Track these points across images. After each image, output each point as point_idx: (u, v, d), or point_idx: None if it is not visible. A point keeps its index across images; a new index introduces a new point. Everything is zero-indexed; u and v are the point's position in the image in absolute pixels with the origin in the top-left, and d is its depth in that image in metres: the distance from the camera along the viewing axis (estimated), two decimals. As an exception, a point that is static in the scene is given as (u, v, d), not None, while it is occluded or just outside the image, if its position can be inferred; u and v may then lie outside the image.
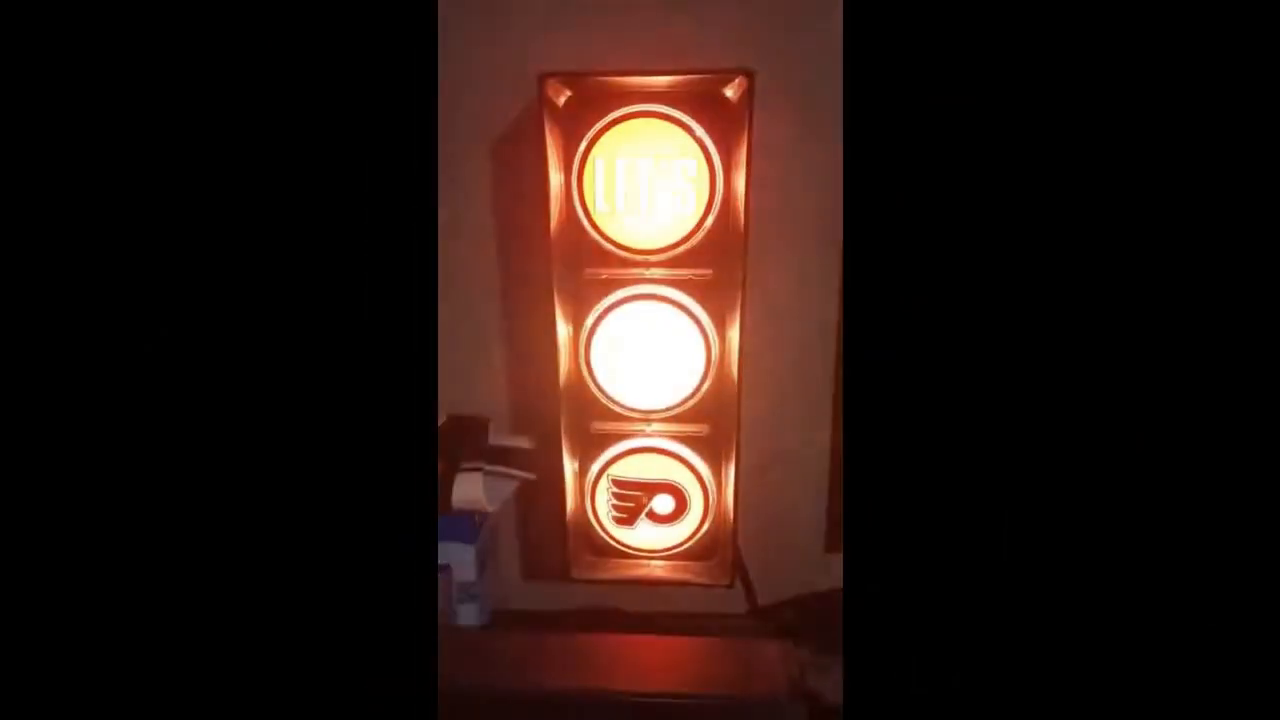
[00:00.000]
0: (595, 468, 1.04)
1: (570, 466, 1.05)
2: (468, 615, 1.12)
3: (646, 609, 1.20)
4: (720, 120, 0.89)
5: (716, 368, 0.97)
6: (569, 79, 0.89)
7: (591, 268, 0.96)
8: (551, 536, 1.12)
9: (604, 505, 1.06)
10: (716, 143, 0.89)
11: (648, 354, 0.97)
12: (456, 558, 1.10)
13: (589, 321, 0.97)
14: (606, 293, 0.96)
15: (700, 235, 0.92)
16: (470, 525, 1.09)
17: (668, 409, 1.00)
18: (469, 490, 1.07)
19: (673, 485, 1.04)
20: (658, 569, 1.09)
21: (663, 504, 1.04)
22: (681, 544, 1.07)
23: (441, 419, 1.13)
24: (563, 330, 0.98)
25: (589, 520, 1.07)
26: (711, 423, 1.02)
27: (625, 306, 0.96)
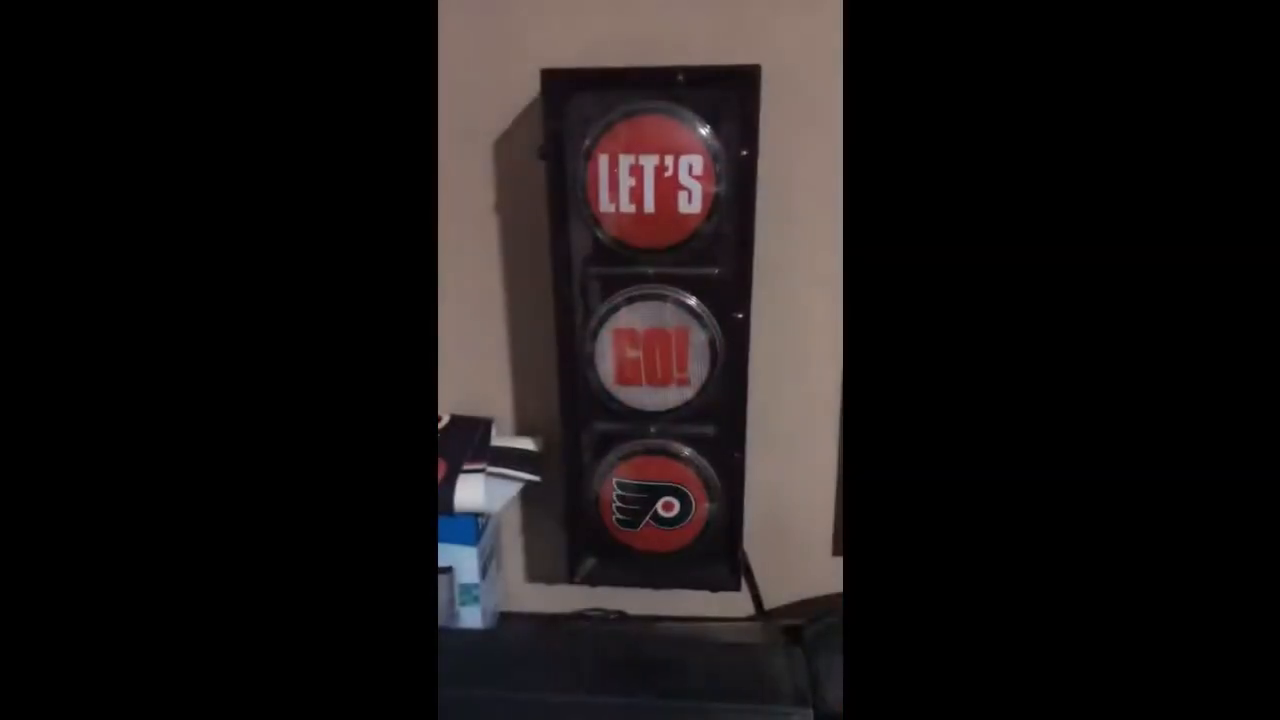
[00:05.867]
0: (600, 469, 1.03)
1: (574, 468, 1.04)
2: (471, 617, 1.12)
3: (651, 612, 1.19)
4: (726, 117, 0.88)
5: (722, 367, 0.96)
6: (573, 75, 0.88)
7: (596, 266, 0.95)
8: (555, 538, 1.11)
9: (608, 507, 1.05)
10: (722, 139, 0.88)
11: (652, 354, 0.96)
12: (459, 559, 1.09)
13: (593, 321, 0.96)
14: (611, 291, 0.95)
15: (706, 232, 0.91)
16: (473, 527, 1.08)
17: (672, 410, 0.99)
18: (471, 492, 1.06)
19: (678, 487, 1.03)
20: (662, 572, 1.09)
21: (667, 506, 1.04)
22: (687, 546, 1.06)
23: (444, 420, 1.13)
24: (566, 330, 0.97)
25: (593, 522, 1.06)
26: (717, 424, 1.01)
27: (630, 305, 0.95)
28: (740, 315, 0.95)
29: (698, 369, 0.97)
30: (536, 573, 1.24)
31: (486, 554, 1.13)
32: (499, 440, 1.13)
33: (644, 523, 1.05)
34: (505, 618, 1.20)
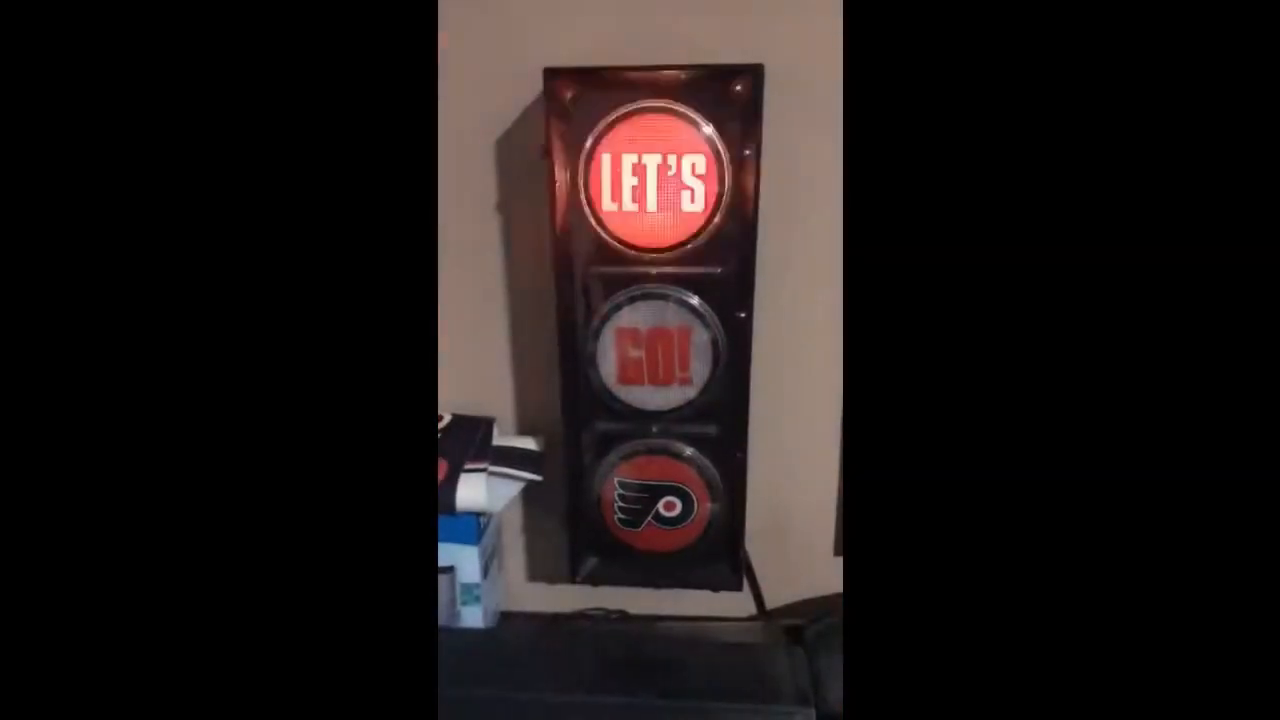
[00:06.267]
0: (601, 469, 1.03)
1: (575, 467, 1.04)
2: (472, 617, 1.12)
3: (653, 611, 1.19)
4: (729, 116, 0.87)
5: (725, 366, 0.96)
6: (575, 74, 0.88)
7: (598, 265, 0.95)
8: (557, 538, 1.11)
9: (610, 507, 1.04)
10: (725, 138, 0.88)
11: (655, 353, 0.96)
12: (461, 559, 1.09)
13: (595, 320, 0.96)
14: (613, 291, 0.95)
15: (709, 232, 0.91)
16: (475, 526, 1.08)
17: (675, 409, 0.99)
18: (473, 491, 1.06)
19: (679, 487, 1.03)
20: (664, 571, 1.08)
21: (669, 506, 1.03)
22: (688, 546, 1.05)
23: (446, 419, 1.12)
24: (568, 329, 0.97)
25: (595, 522, 1.06)
26: (719, 423, 1.01)
27: (632, 305, 0.95)
28: (743, 315, 0.94)
29: (700, 368, 0.97)
30: (538, 572, 1.24)
31: (488, 553, 1.13)
32: (501, 440, 1.13)
33: (645, 522, 1.04)
34: (507, 617, 1.20)
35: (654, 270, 0.94)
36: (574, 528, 1.07)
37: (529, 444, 1.13)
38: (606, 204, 0.91)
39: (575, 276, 0.95)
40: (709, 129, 0.88)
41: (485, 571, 1.11)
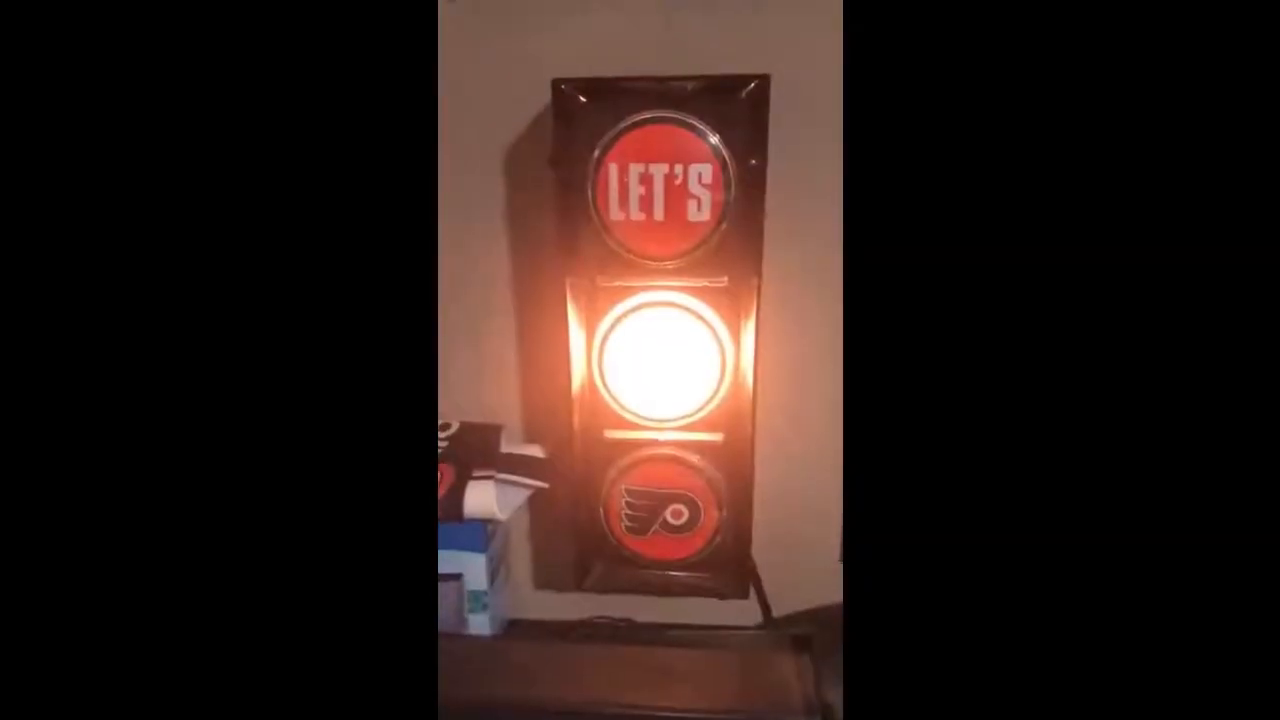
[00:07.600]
0: (608, 477, 1.03)
1: (583, 475, 1.04)
2: (479, 624, 1.12)
3: (659, 620, 1.18)
4: (735, 126, 0.88)
5: (731, 376, 0.96)
6: (583, 84, 0.89)
7: (605, 275, 0.95)
8: (564, 546, 1.11)
9: (617, 514, 1.05)
10: (731, 148, 0.88)
11: (662, 362, 0.96)
12: (468, 566, 1.09)
13: (602, 329, 0.96)
14: (620, 300, 0.96)
15: (715, 242, 0.91)
16: (482, 534, 1.09)
17: (682, 417, 0.99)
18: (481, 499, 1.06)
19: (686, 495, 1.03)
20: (671, 579, 1.08)
21: (676, 514, 1.03)
22: (695, 554, 1.05)
23: (454, 427, 1.13)
24: (576, 338, 0.98)
25: (601, 530, 1.06)
26: (726, 431, 1.01)
27: (639, 314, 0.95)
28: (749, 323, 0.95)
29: (708, 377, 0.97)
30: (545, 580, 1.24)
31: (495, 561, 1.13)
32: (508, 447, 1.13)
33: (652, 530, 1.04)
34: (514, 625, 1.20)
35: (661, 279, 0.94)
36: (580, 535, 1.07)
37: (536, 451, 1.13)
38: (614, 213, 0.91)
39: (583, 285, 0.96)
40: (715, 139, 0.88)
41: (493, 579, 1.12)
